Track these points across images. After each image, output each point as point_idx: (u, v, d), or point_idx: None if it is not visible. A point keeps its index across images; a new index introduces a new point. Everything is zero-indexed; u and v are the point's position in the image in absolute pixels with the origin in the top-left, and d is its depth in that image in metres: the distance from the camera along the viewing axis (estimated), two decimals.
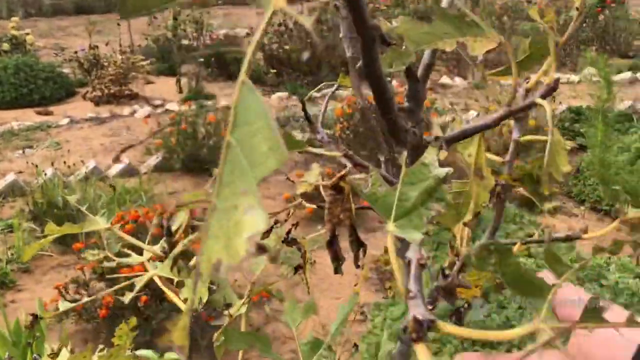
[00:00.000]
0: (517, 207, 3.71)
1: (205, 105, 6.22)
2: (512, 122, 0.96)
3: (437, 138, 0.50)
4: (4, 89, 6.40)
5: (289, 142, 0.70)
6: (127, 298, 0.88)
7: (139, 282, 0.85)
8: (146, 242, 1.10)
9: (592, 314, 0.39)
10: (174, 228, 1.01)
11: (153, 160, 4.57)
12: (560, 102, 5.32)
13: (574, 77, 7.04)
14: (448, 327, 0.43)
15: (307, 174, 0.88)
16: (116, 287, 0.93)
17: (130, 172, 4.42)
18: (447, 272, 0.61)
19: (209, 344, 0.86)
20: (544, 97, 0.53)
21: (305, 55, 7.24)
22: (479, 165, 0.66)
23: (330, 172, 0.80)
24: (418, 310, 0.43)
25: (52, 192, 3.50)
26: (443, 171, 0.42)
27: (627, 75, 7.08)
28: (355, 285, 0.92)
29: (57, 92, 6.72)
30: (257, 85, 7.16)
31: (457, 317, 0.86)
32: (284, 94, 6.57)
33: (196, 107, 5.40)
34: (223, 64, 7.73)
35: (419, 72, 0.55)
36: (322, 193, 0.81)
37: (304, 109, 0.86)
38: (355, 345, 0.93)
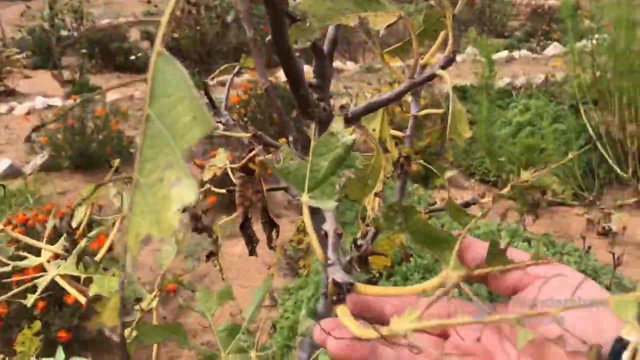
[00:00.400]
0: (412, 184, 3.87)
1: (92, 100, 5.92)
2: (409, 98, 0.99)
3: (342, 107, 0.51)
4: None
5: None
6: (30, 301, 0.83)
7: (42, 282, 0.81)
8: (44, 238, 1.04)
9: (496, 256, 0.42)
10: (74, 225, 0.97)
11: (39, 159, 4.29)
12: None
13: (458, 57, 7.39)
14: (365, 288, 0.44)
15: (213, 159, 0.87)
16: (15, 290, 0.87)
17: (13, 173, 4.12)
18: (360, 242, 0.63)
19: (122, 340, 0.83)
20: (443, 68, 0.55)
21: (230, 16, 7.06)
22: (383, 139, 0.68)
23: (232, 159, 0.80)
24: (337, 275, 0.44)
25: None
26: (350, 139, 0.43)
27: (504, 54, 7.55)
28: (269, 269, 0.92)
29: None
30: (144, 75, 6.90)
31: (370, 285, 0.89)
32: None
33: (82, 101, 5.11)
34: (109, 55, 7.38)
35: (325, 48, 0.55)
36: (232, 176, 0.81)
37: (206, 93, 0.84)
38: (273, 326, 0.93)
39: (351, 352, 0.42)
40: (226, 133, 0.71)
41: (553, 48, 7.58)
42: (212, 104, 0.84)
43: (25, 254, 0.99)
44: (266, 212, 0.78)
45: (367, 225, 0.70)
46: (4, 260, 0.98)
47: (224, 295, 0.88)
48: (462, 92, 5.43)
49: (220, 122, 0.85)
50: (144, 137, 0.27)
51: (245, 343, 0.87)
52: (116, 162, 0.95)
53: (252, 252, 0.75)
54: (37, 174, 4.12)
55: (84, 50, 7.13)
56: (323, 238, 0.52)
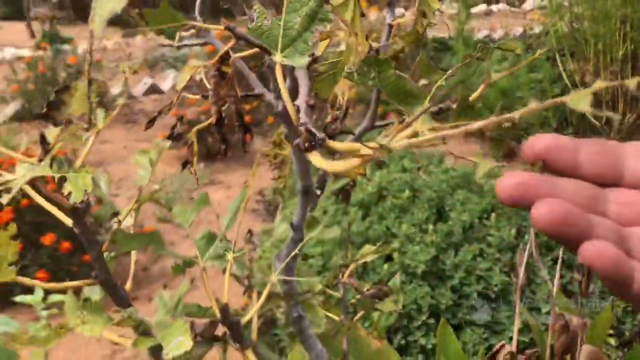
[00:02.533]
0: None
1: (63, 51, 5.77)
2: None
3: None
4: None
5: (169, 17, 0.68)
6: (7, 198, 0.82)
7: (16, 184, 0.80)
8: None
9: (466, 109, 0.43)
10: (49, 137, 0.96)
11: (10, 109, 4.20)
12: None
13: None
14: (333, 144, 0.45)
15: (180, 74, 0.86)
16: None
17: None
18: (331, 126, 0.63)
19: (98, 254, 0.84)
20: None
21: None
22: (355, 29, 0.68)
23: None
24: (310, 127, 0.44)
25: None
26: None
27: (482, 7, 7.51)
28: (244, 182, 0.93)
29: None
30: (121, 26, 6.75)
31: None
32: (150, 35, 6.25)
33: (53, 51, 4.98)
34: (80, 6, 7.17)
35: None
36: (204, 78, 0.80)
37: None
38: (249, 232, 0.94)
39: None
40: (199, 25, 0.70)
41: (531, 1, 7.56)
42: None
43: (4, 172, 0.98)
44: (240, 114, 0.78)
45: (338, 109, 0.71)
46: None
47: (201, 201, 0.89)
48: (440, 44, 5.41)
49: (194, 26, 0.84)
50: None
51: (222, 249, 0.88)
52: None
53: (225, 152, 0.76)
54: (9, 124, 4.04)
55: (54, 0, 6.91)
56: (297, 112, 0.52)
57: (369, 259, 1.20)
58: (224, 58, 0.78)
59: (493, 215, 2.10)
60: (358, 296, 1.18)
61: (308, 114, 0.51)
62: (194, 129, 0.86)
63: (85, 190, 0.77)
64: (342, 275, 1.26)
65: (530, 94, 3.72)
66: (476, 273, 1.93)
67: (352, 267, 1.24)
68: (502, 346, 1.25)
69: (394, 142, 0.35)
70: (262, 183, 3.26)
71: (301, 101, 0.53)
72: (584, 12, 3.75)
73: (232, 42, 0.71)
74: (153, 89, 4.79)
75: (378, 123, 0.92)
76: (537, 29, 5.75)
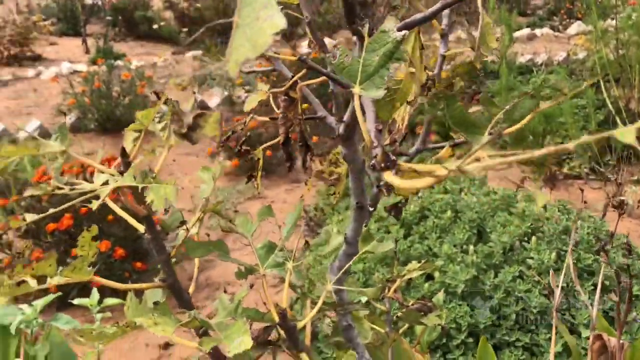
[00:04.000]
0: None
1: (116, 66, 6.02)
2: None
3: (394, 7, 0.58)
4: None
5: None
6: (95, 205, 0.92)
7: (103, 192, 0.89)
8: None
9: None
10: (127, 148, 1.06)
11: (67, 121, 4.40)
12: (468, 56, 5.58)
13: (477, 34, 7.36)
14: (410, 165, 0.52)
15: (250, 97, 0.95)
16: (78, 199, 0.96)
17: (42, 134, 4.24)
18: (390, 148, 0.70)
19: (166, 258, 0.93)
20: None
21: None
22: (414, 61, 0.75)
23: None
24: (385, 149, 0.51)
25: None
26: (400, 34, 0.50)
27: (526, 31, 7.50)
28: (301, 197, 1.00)
29: None
30: (170, 44, 6.99)
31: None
32: (198, 52, 6.46)
33: (107, 67, 5.21)
34: (132, 23, 7.46)
35: None
36: (272, 102, 0.88)
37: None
38: (307, 243, 1.01)
39: None
40: (259, 71, 0.78)
41: (576, 26, 7.52)
42: None
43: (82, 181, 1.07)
44: (303, 135, 0.86)
45: (397, 132, 0.77)
46: (60, 185, 1.07)
47: (264, 212, 0.96)
48: (483, 68, 5.44)
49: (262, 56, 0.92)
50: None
51: (281, 259, 0.95)
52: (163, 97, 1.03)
53: (290, 167, 0.83)
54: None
55: (108, 18, 7.21)
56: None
57: (414, 274, 1.26)
58: (293, 85, 0.86)
59: (533, 238, 2.12)
60: (403, 310, 1.24)
61: (377, 137, 0.58)
62: (260, 147, 0.95)
63: (166, 200, 0.86)
64: (388, 290, 1.32)
65: (574, 119, 3.72)
66: (515, 294, 1.95)
67: (398, 282, 1.30)
68: None
69: (467, 166, 0.41)
70: (307, 200, 3.34)
71: (371, 126, 0.60)
72: (630, 38, 3.74)
73: (302, 72, 0.79)
74: (201, 106, 4.95)
75: (430, 146, 0.99)
76: (581, 54, 5.72)
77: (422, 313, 1.26)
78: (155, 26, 7.29)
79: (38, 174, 2.63)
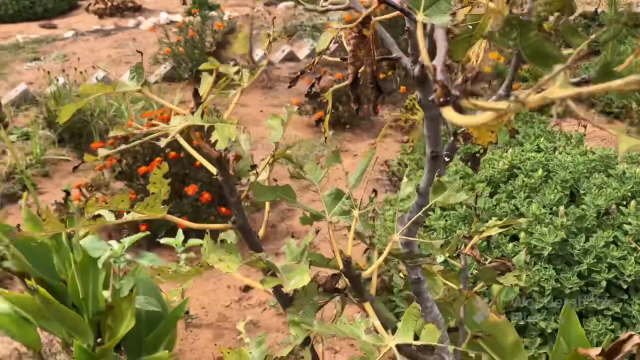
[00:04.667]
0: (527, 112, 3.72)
1: (210, 16, 6.11)
2: None
3: None
4: (6, 2, 6.29)
5: None
6: (163, 142, 0.93)
7: (173, 130, 0.90)
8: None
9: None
10: (201, 91, 1.05)
11: (162, 69, 4.55)
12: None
13: None
14: (467, 101, 0.47)
15: (319, 40, 0.90)
16: (152, 135, 0.97)
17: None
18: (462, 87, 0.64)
19: (237, 200, 0.93)
20: None
21: None
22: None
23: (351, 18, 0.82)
24: (445, 79, 0.46)
25: (65, 100, 3.53)
26: None
27: None
28: (372, 144, 0.96)
29: (59, 5, 6.60)
30: None
31: (474, 161, 0.91)
32: (290, 3, 6.43)
33: (201, 17, 5.31)
34: None
35: None
36: (344, 39, 0.84)
37: None
38: (374, 191, 0.98)
39: None
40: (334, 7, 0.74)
41: None
42: None
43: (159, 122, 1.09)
44: (374, 76, 0.81)
45: (471, 71, 0.71)
46: (138, 125, 1.09)
47: (333, 158, 0.94)
48: (590, 20, 5.04)
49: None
50: None
51: (348, 206, 0.92)
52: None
53: (357, 110, 0.80)
54: (160, 84, 4.39)
55: None
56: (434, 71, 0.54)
57: (493, 232, 1.19)
58: (365, 21, 0.81)
59: (633, 202, 1.97)
60: (479, 267, 1.18)
61: (444, 73, 0.52)
62: (330, 89, 0.91)
63: (229, 139, 0.85)
64: (465, 247, 1.26)
65: None
66: (607, 261, 1.83)
67: (475, 239, 1.24)
68: (630, 336, 1.20)
69: (528, 97, 0.36)
70: (387, 154, 3.29)
71: (439, 61, 0.55)
72: None
73: (374, 6, 0.74)
74: (290, 57, 4.95)
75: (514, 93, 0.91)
76: None
77: (500, 272, 1.20)
78: None
79: (129, 123, 2.75)
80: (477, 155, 0.88)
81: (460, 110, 0.70)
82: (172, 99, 1.13)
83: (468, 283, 1.24)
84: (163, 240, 2.08)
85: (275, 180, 1.03)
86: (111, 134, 1.02)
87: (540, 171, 2.20)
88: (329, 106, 0.89)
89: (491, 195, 2.22)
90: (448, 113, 0.42)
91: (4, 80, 4.54)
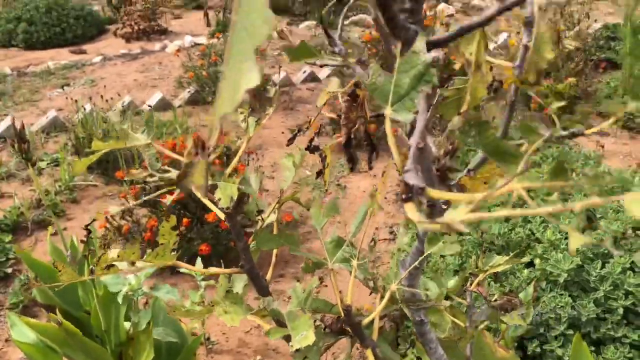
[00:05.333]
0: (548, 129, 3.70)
1: None
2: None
3: (425, 27, 0.55)
4: (37, 29, 6.51)
5: (306, 52, 0.77)
6: (169, 200, 0.98)
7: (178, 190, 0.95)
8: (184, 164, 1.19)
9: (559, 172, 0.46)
10: (210, 138, 1.10)
11: (186, 93, 4.65)
12: (595, 20, 5.15)
13: None
14: (434, 193, 0.50)
15: (327, 85, 0.95)
16: (160, 191, 1.02)
17: (164, 105, 4.52)
18: (441, 159, 0.67)
19: (245, 245, 0.97)
20: None
21: None
22: (479, 62, 0.71)
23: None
24: (411, 178, 0.50)
25: (92, 127, 3.64)
26: (430, 56, 0.48)
27: None
28: (372, 195, 0.99)
29: (88, 31, 6.79)
30: (286, 14, 7.10)
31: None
32: (312, 23, 6.51)
33: (224, 40, 5.42)
34: None
35: None
36: (339, 100, 0.88)
37: (324, 29, 0.91)
38: (373, 241, 1.01)
39: None
40: (330, 62, 0.78)
41: None
42: (328, 35, 0.90)
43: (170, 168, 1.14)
44: (368, 134, 0.85)
45: (452, 144, 0.74)
46: (152, 172, 1.15)
47: (331, 208, 0.97)
48: (612, 31, 4.99)
49: (334, 51, 0.91)
50: (232, 36, 0.34)
51: (348, 254, 0.96)
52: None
53: (352, 169, 0.83)
54: (185, 107, 4.49)
55: None
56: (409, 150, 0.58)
57: (500, 269, 1.22)
58: (358, 83, 0.85)
59: None
60: (482, 307, 1.20)
61: (416, 158, 0.56)
62: (329, 145, 0.95)
63: (231, 198, 0.89)
64: (471, 284, 1.29)
65: None
66: (625, 288, 1.82)
67: (480, 277, 1.26)
68: None
69: (458, 217, 0.39)
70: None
71: (414, 141, 0.58)
72: None
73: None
74: (312, 78, 5.01)
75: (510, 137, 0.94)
76: None
77: (505, 310, 1.22)
78: None
79: (145, 165, 2.83)
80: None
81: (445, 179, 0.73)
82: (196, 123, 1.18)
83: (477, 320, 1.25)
84: (183, 270, 2.13)
85: (281, 223, 1.07)
86: (127, 177, 1.07)
87: (555, 194, 2.19)
88: (328, 159, 0.93)
89: (507, 220, 2.22)
90: (410, 211, 0.46)
91: (36, 107, 4.69)
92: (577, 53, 4.41)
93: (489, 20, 0.60)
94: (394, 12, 0.55)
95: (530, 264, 2.00)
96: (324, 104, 0.86)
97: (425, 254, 0.91)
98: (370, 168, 0.86)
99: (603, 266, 1.89)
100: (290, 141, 0.91)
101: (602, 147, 3.09)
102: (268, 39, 0.32)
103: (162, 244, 1.00)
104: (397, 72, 0.50)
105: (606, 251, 1.94)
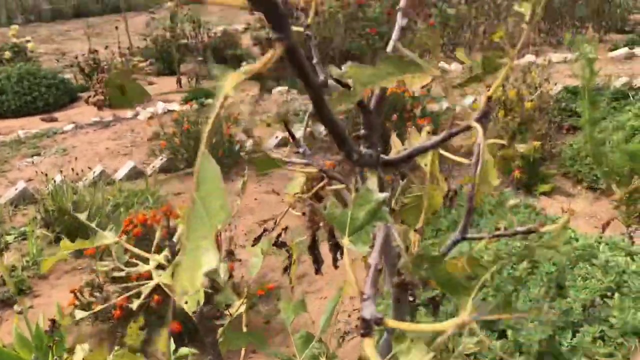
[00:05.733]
0: (515, 191, 3.79)
1: (206, 104, 6.32)
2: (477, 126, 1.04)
3: (378, 157, 0.58)
4: (8, 98, 6.51)
5: (270, 163, 0.80)
6: (135, 304, 0.98)
7: (146, 289, 0.95)
8: (153, 246, 1.20)
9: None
10: (175, 238, 1.11)
11: (158, 161, 4.66)
12: (555, 83, 5.37)
13: (571, 56, 7.06)
14: (393, 323, 0.52)
15: (290, 184, 0.97)
16: (126, 294, 1.02)
17: (136, 174, 4.52)
18: (402, 271, 0.70)
19: (213, 341, 0.97)
20: (479, 120, 0.61)
21: None
22: (434, 174, 0.75)
23: (330, 164, 0.89)
24: (368, 310, 0.52)
25: (62, 199, 3.61)
26: (382, 196, 0.51)
27: (623, 51, 7.09)
28: (340, 289, 1.01)
29: (60, 99, 6.82)
30: (256, 80, 7.23)
31: (434, 304, 0.95)
32: (283, 89, 6.65)
33: (197, 106, 5.49)
34: (222, 61, 7.81)
35: (372, 104, 0.63)
36: (304, 203, 0.90)
37: (287, 129, 0.95)
38: (342, 338, 1.01)
39: None
40: (293, 167, 0.81)
41: None
42: (292, 137, 0.94)
43: (137, 261, 1.15)
44: (333, 235, 0.87)
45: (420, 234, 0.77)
46: (121, 266, 1.15)
47: (298, 307, 0.98)
48: (572, 93, 5.20)
49: (298, 152, 0.95)
50: (192, 212, 0.37)
51: (317, 350, 0.96)
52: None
53: (317, 271, 0.85)
54: (157, 176, 4.49)
55: (199, 58, 7.60)
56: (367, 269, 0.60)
57: (468, 351, 1.22)
58: (322, 187, 0.87)
59: (616, 295, 1.99)
60: None
61: (375, 280, 0.58)
62: (294, 242, 0.97)
63: (198, 301, 0.89)
64: None
65: None
66: (595, 358, 1.84)
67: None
68: None
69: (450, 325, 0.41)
70: None
71: (372, 261, 0.60)
72: None
73: (324, 182, 0.81)
74: (284, 142, 5.08)
75: (469, 235, 0.97)
76: None
77: None
78: (244, 63, 7.59)
79: (126, 222, 2.81)
80: (437, 299, 0.93)
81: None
82: (155, 236, 1.19)
83: None
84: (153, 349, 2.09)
85: (259, 312, 1.08)
86: (96, 267, 1.07)
87: (525, 263, 2.23)
88: (294, 256, 0.95)
89: (480, 289, 2.24)
90: (368, 348, 0.47)
91: (4, 177, 4.65)
92: (541, 116, 4.58)
93: (438, 144, 0.64)
94: (349, 143, 0.59)
95: (502, 335, 2.01)
96: (288, 210, 0.88)
97: (392, 352, 0.92)
98: (336, 267, 0.88)
99: (574, 335, 1.91)
100: (256, 241, 0.93)
101: (571, 212, 3.17)
102: (225, 223, 0.34)
103: (129, 344, 0.99)
104: (353, 205, 0.53)
105: (576, 320, 1.96)
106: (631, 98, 5.03)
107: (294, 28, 1.03)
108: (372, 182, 0.52)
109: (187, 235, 0.36)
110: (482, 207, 2.66)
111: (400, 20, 0.63)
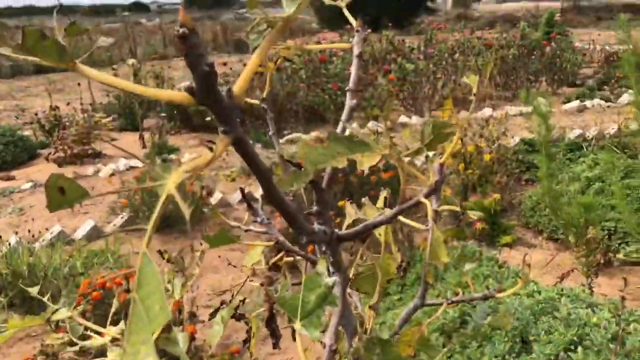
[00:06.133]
0: (478, 243, 3.83)
1: (170, 160, 6.29)
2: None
3: (332, 233, 0.58)
4: None
5: (225, 239, 0.79)
6: None
7: None
8: (110, 314, 1.17)
9: None
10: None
11: (119, 220, 4.58)
12: (513, 136, 5.53)
13: (527, 109, 7.31)
14: None
15: (249, 255, 0.96)
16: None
17: (97, 234, 4.42)
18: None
19: None
20: (427, 196, 0.62)
21: None
22: (388, 243, 0.75)
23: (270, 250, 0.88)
24: None
25: (17, 261, 3.49)
26: (330, 280, 0.51)
27: (575, 103, 7.39)
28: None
29: (19, 156, 6.69)
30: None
31: None
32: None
33: (160, 162, 5.45)
34: (186, 116, 7.82)
35: (324, 182, 0.64)
36: (260, 275, 0.89)
37: (244, 197, 0.95)
38: None
39: None
40: (250, 243, 0.80)
41: (627, 96, 7.35)
42: (250, 206, 0.93)
43: (94, 331, 1.10)
44: (273, 318, 0.86)
45: (365, 332, 0.76)
46: (74, 339, 1.11)
47: None
48: (529, 145, 5.36)
49: (256, 221, 0.94)
50: (132, 314, 0.36)
51: None
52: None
53: (275, 345, 0.83)
54: (117, 235, 4.40)
55: (163, 114, 7.60)
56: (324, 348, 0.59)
57: None
58: (280, 258, 0.87)
59: (580, 349, 2.00)
60: None
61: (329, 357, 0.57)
62: (253, 314, 0.95)
63: None
64: None
65: (627, 202, 3.58)
66: None
67: None
68: None
69: None
70: None
71: (328, 341, 0.59)
72: None
73: (281, 254, 0.80)
74: (249, 198, 5.06)
75: (428, 302, 0.97)
76: (634, 126, 5.56)
77: None
78: (208, 118, 7.62)
79: (85, 284, 2.73)
80: None
81: None
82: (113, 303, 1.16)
83: None
84: None
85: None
86: (48, 340, 1.03)
87: (489, 317, 2.23)
88: (254, 329, 0.93)
89: (444, 345, 2.23)
90: None
91: None
92: (500, 168, 4.69)
93: (390, 220, 0.65)
94: (300, 223, 0.59)
95: None
96: (248, 278, 0.87)
97: None
98: (278, 348, 0.86)
99: None
100: (212, 315, 0.91)
101: (529, 265, 3.21)
102: (164, 326, 0.34)
103: None
104: (304, 288, 0.53)
105: None
106: (585, 149, 5.21)
107: (250, 101, 1.04)
108: (322, 266, 0.52)
109: (127, 338, 0.35)
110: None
111: (349, 102, 0.65)
